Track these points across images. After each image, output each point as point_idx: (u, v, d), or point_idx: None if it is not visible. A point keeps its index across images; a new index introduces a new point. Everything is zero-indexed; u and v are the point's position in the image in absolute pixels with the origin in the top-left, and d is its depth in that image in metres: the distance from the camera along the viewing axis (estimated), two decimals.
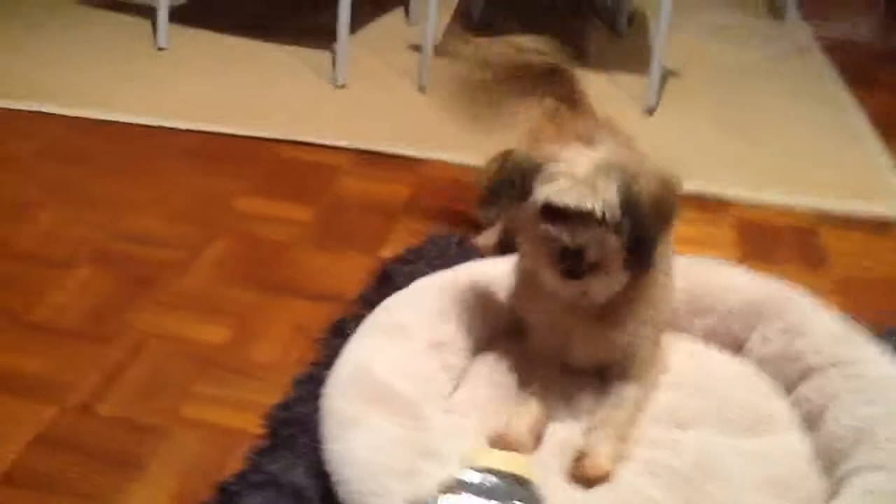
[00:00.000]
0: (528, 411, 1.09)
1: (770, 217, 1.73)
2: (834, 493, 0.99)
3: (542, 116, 1.41)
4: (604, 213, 0.99)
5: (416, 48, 2.27)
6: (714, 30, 2.77)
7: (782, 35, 2.76)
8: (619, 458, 1.03)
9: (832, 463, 1.03)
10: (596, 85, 2.28)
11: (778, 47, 2.63)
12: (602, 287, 1.06)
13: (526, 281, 1.16)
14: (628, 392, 1.11)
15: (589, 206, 0.99)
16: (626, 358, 1.12)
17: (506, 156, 1.09)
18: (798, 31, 2.80)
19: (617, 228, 1.01)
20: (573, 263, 1.01)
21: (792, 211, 1.76)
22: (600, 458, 1.02)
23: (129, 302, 1.37)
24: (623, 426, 1.07)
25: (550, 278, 1.06)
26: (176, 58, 2.35)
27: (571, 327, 1.11)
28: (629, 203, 1.00)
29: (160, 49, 2.37)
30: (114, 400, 1.17)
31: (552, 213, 1.02)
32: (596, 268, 1.02)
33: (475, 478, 0.57)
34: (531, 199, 1.03)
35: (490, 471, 0.58)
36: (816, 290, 1.33)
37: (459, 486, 0.57)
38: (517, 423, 1.07)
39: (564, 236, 1.01)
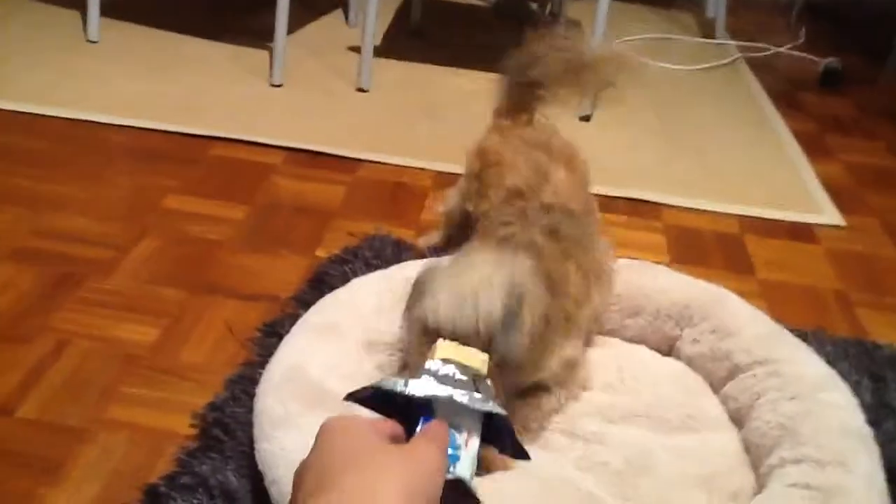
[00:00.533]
0: None
1: (699, 223, 1.78)
2: (761, 486, 1.02)
3: (491, 127, 1.42)
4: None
5: (356, 49, 2.26)
6: (647, 44, 2.85)
7: (711, 52, 2.86)
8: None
9: (758, 458, 1.06)
10: None
11: (707, 63, 2.72)
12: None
13: None
14: (542, 400, 1.10)
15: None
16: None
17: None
18: (726, 49, 2.90)
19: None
20: None
21: (720, 218, 1.81)
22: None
23: (52, 301, 1.32)
24: (528, 421, 1.07)
25: None
26: (108, 52, 2.28)
27: None
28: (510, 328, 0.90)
29: (91, 42, 2.30)
30: (34, 402, 1.12)
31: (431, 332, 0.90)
32: None
33: (437, 366, 0.61)
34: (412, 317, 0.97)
35: (450, 361, 0.62)
36: (742, 293, 1.37)
37: (423, 372, 0.61)
38: None
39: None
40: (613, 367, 1.23)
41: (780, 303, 1.53)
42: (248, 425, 1.04)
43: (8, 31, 2.33)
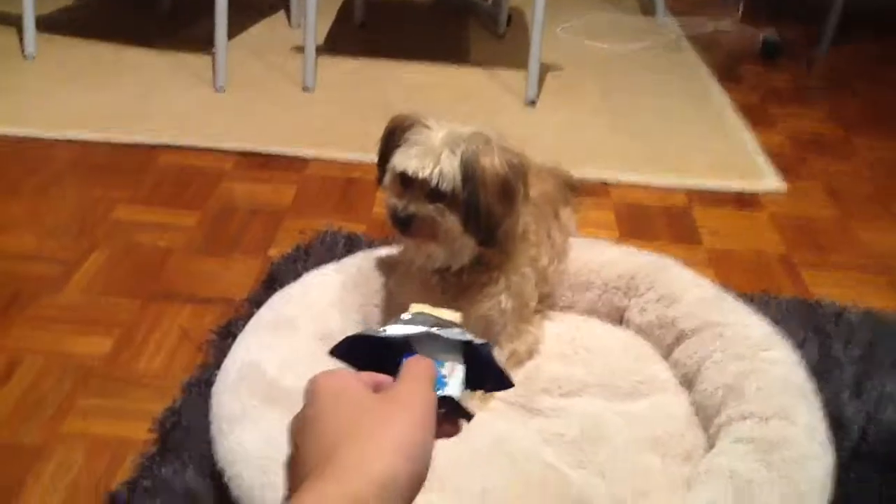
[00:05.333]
0: None
1: (646, 198, 1.82)
2: (711, 445, 1.05)
3: None
4: (439, 183, 1.04)
5: (299, 49, 2.26)
6: (591, 27, 2.88)
7: (653, 31, 2.90)
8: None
9: (707, 418, 1.09)
10: (478, 82, 2.36)
11: (650, 42, 2.76)
12: (443, 253, 1.11)
13: (402, 265, 1.18)
14: None
15: (425, 174, 1.04)
16: (486, 329, 1.16)
17: (390, 122, 1.13)
18: (667, 27, 2.95)
19: (454, 200, 1.05)
20: (402, 228, 1.09)
21: (666, 192, 1.85)
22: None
23: (2, 321, 1.30)
24: None
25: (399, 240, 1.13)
26: (46, 67, 2.25)
27: (435, 302, 1.14)
28: (470, 178, 1.04)
29: (28, 58, 2.27)
30: None
31: (403, 180, 1.08)
32: (427, 235, 1.09)
33: (410, 317, 0.64)
34: (389, 165, 1.09)
35: (423, 313, 0.64)
36: (689, 263, 1.40)
37: (396, 321, 0.63)
38: None
39: (394, 202, 1.08)
40: (567, 338, 1.26)
41: (728, 270, 1.57)
42: (206, 427, 1.04)
43: None
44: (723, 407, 1.06)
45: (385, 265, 1.29)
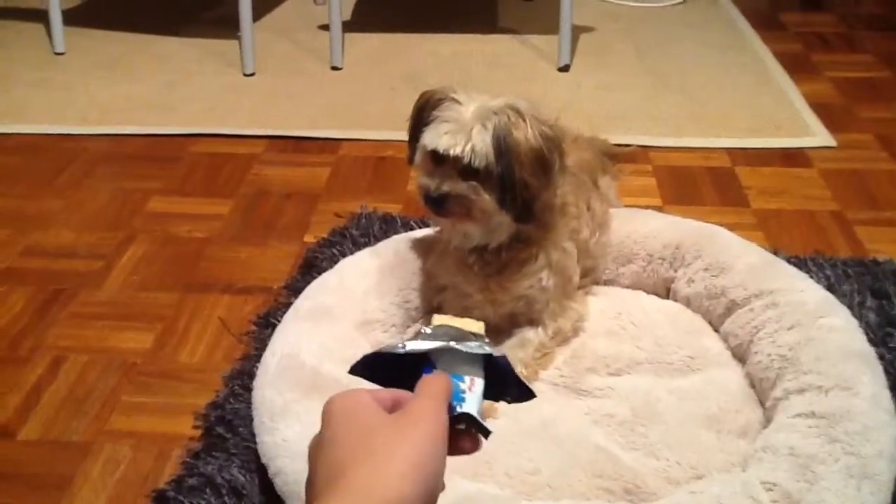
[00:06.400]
0: None
1: (688, 161, 1.75)
2: (768, 420, 1.01)
3: None
4: (471, 160, 1.01)
5: (326, 28, 2.23)
6: None
7: None
8: None
9: (763, 392, 1.05)
10: (508, 49, 2.31)
11: None
12: (479, 232, 1.08)
13: (439, 245, 1.16)
14: (528, 334, 1.13)
15: (457, 152, 1.01)
16: (528, 308, 1.13)
17: (419, 99, 1.10)
18: None
19: (487, 176, 1.02)
20: (435, 208, 1.06)
21: (709, 153, 1.78)
22: None
23: (44, 319, 1.31)
24: (518, 363, 1.09)
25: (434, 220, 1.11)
26: (76, 61, 2.25)
27: (472, 282, 1.12)
28: (504, 152, 1.01)
29: (58, 54, 2.28)
30: (35, 422, 1.12)
31: (434, 158, 1.05)
32: (461, 214, 1.06)
33: (431, 330, 0.64)
34: (418, 143, 1.06)
35: (444, 325, 0.64)
36: (736, 226, 1.35)
37: (417, 335, 0.63)
38: None
39: (426, 181, 1.05)
40: (613, 313, 1.22)
41: (778, 232, 1.51)
42: (250, 420, 1.04)
43: None
44: (779, 380, 1.01)
45: (422, 246, 1.26)
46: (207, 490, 0.98)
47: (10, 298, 1.36)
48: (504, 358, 0.62)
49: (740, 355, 1.12)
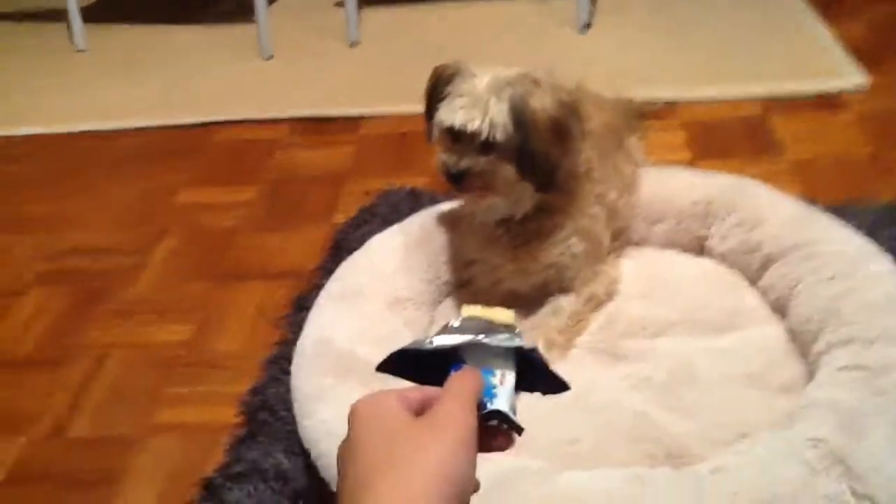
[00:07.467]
0: None
1: (717, 113, 1.71)
2: (811, 375, 0.99)
3: None
4: (490, 134, 0.99)
5: (341, 4, 2.20)
6: None
7: None
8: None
9: (805, 346, 1.03)
10: (526, 11, 2.26)
11: None
12: (502, 204, 1.08)
13: (465, 219, 1.15)
14: (561, 302, 1.12)
15: (474, 127, 1.00)
16: (559, 276, 1.12)
17: (431, 74, 1.09)
18: None
19: (507, 148, 1.00)
20: (456, 183, 1.05)
21: (739, 103, 1.73)
22: None
23: (84, 318, 1.34)
24: (553, 331, 1.08)
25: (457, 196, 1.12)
26: (97, 58, 2.27)
27: (501, 254, 1.12)
28: (521, 123, 0.99)
29: (80, 51, 2.29)
30: (83, 420, 1.15)
31: (452, 133, 1.04)
32: (483, 188, 1.05)
33: (460, 323, 0.62)
34: (434, 120, 1.05)
35: (473, 317, 0.63)
36: (772, 177, 1.32)
37: (444, 329, 0.62)
38: None
39: (445, 158, 1.04)
40: (645, 275, 1.20)
41: (814, 180, 1.46)
42: (291, 404, 1.05)
43: None
44: (821, 333, 0.99)
45: (448, 220, 1.25)
46: (254, 476, 1.00)
47: (49, 301, 1.39)
48: (536, 350, 0.60)
49: (780, 310, 1.09)
